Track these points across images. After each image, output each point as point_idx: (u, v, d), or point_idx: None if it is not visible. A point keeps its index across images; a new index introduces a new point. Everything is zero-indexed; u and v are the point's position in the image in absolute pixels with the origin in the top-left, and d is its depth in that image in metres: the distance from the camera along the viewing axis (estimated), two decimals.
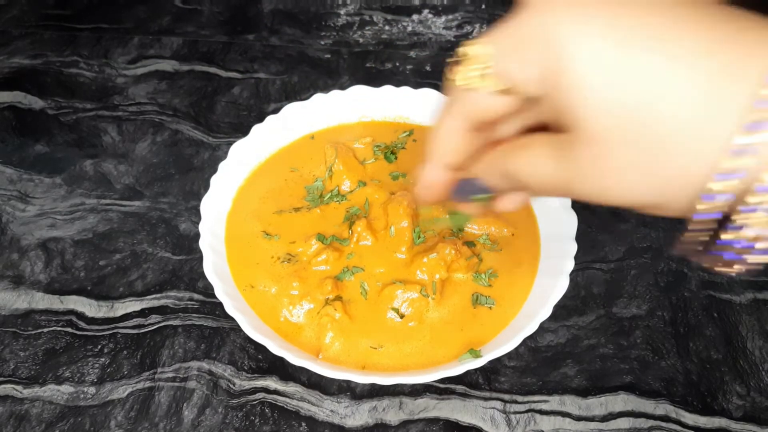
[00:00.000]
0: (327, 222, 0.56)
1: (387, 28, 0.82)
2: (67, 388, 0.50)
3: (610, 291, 0.56)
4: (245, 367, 0.51)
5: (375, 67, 0.77)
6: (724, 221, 0.29)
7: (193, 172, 0.65)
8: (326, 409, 0.49)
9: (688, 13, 0.27)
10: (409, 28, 0.82)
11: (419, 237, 0.54)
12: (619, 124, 0.28)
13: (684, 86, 0.26)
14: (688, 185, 0.28)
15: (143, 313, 0.54)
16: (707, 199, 0.28)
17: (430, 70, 0.76)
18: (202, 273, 0.50)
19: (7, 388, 0.50)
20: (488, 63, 0.31)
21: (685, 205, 0.29)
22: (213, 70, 0.76)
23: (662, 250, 0.58)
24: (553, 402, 0.49)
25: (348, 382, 0.49)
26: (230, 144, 0.59)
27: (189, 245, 0.59)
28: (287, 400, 0.49)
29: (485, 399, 0.49)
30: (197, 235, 0.52)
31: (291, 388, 0.50)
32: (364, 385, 0.50)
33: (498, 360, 0.49)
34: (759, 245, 0.29)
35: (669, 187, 0.29)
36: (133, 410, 0.49)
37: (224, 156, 0.58)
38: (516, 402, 0.49)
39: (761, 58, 0.26)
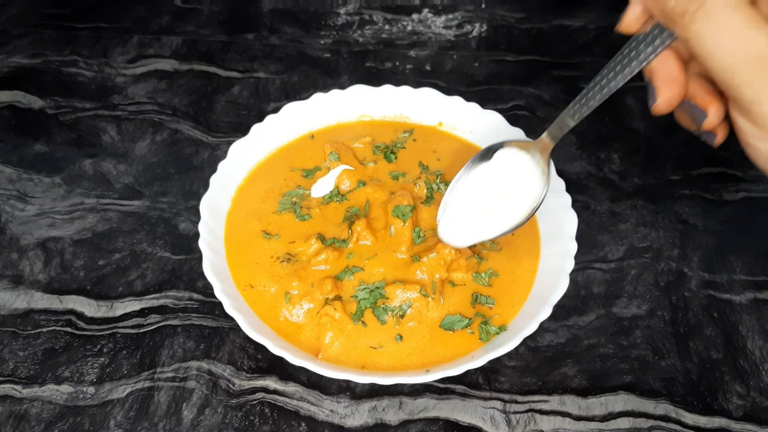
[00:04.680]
0: (327, 222, 0.56)
1: (387, 27, 0.82)
2: (66, 388, 0.50)
3: (610, 291, 0.56)
4: (245, 367, 0.51)
5: (375, 66, 0.77)
6: None
7: (192, 172, 0.65)
8: (326, 409, 0.49)
9: None
10: (409, 28, 0.82)
11: (419, 237, 0.54)
12: None
13: None
14: None
15: (142, 312, 0.54)
16: None
17: (430, 69, 0.76)
18: (202, 273, 0.50)
19: (7, 388, 0.50)
20: None
21: None
22: (212, 69, 0.76)
23: (662, 250, 0.58)
24: (553, 402, 0.49)
25: (348, 382, 0.49)
26: (230, 143, 0.59)
27: (188, 245, 0.59)
28: (287, 400, 0.49)
29: (485, 399, 0.49)
30: (196, 235, 0.52)
31: (291, 387, 0.50)
32: (364, 384, 0.50)
33: (498, 360, 0.49)
34: None
35: None
36: (133, 410, 0.49)
37: (224, 155, 0.58)
38: (516, 402, 0.49)
39: None
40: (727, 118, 0.37)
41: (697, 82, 0.37)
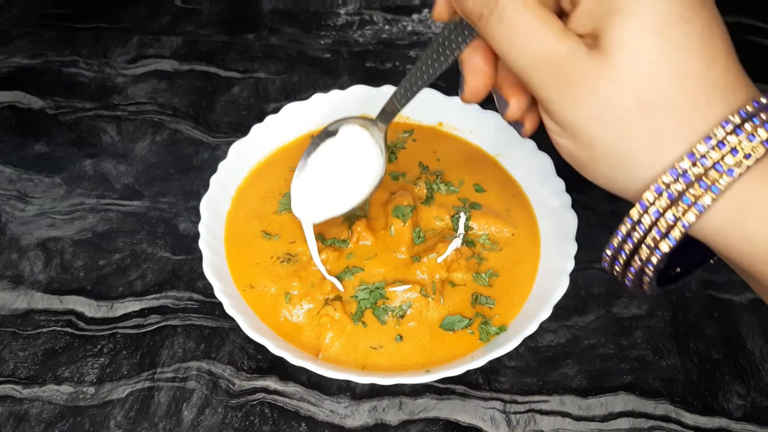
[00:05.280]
0: (327, 222, 0.56)
1: (387, 27, 0.82)
2: (66, 388, 0.50)
3: (610, 291, 0.56)
4: (245, 367, 0.51)
5: (375, 66, 0.77)
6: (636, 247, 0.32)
7: (192, 172, 0.65)
8: (326, 409, 0.49)
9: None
10: (409, 28, 0.82)
11: (419, 237, 0.54)
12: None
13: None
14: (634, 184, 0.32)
15: (143, 313, 0.54)
16: (641, 205, 0.31)
17: None
18: (202, 273, 0.50)
19: (7, 388, 0.50)
20: None
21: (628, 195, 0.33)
22: (213, 69, 0.76)
23: None
24: (553, 402, 0.49)
25: (348, 382, 0.49)
26: (230, 144, 0.59)
27: (188, 245, 0.59)
28: (287, 400, 0.49)
29: (485, 399, 0.49)
30: (197, 235, 0.52)
31: (291, 388, 0.50)
32: (364, 385, 0.50)
33: (498, 360, 0.49)
34: (646, 275, 0.33)
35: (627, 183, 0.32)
36: (133, 410, 0.49)
37: (224, 156, 0.58)
38: (516, 402, 0.49)
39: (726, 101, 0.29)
40: None
41: (505, 74, 0.37)
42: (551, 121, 0.33)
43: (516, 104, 0.37)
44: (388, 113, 0.48)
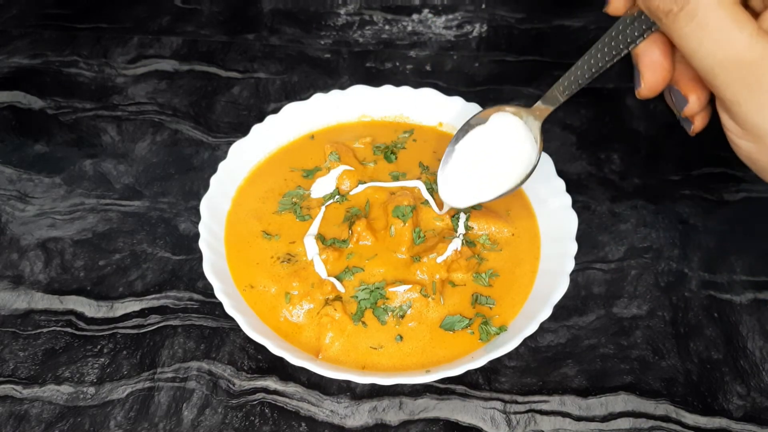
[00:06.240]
0: (327, 222, 0.56)
1: (387, 27, 0.82)
2: (66, 389, 0.50)
3: (610, 291, 0.56)
4: (245, 368, 0.51)
5: (375, 66, 0.77)
6: None
7: (192, 172, 0.65)
8: (326, 409, 0.49)
9: None
10: (409, 28, 0.82)
11: (419, 237, 0.54)
12: None
13: None
14: None
15: (143, 313, 0.54)
16: None
17: (430, 69, 0.76)
18: (202, 273, 0.50)
19: (7, 389, 0.50)
20: None
21: None
22: (213, 69, 0.76)
23: (662, 251, 0.58)
24: (553, 402, 0.49)
25: (348, 382, 0.49)
26: (230, 144, 0.59)
27: (189, 245, 0.59)
28: (287, 400, 0.49)
29: (485, 399, 0.49)
30: (197, 235, 0.52)
31: (291, 388, 0.50)
32: (364, 385, 0.50)
33: (498, 360, 0.49)
34: None
35: None
36: (133, 410, 0.49)
37: (224, 156, 0.58)
38: (516, 402, 0.49)
39: None
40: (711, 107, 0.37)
41: (683, 68, 0.37)
42: (733, 122, 0.33)
43: (696, 101, 0.37)
44: (549, 100, 0.47)
